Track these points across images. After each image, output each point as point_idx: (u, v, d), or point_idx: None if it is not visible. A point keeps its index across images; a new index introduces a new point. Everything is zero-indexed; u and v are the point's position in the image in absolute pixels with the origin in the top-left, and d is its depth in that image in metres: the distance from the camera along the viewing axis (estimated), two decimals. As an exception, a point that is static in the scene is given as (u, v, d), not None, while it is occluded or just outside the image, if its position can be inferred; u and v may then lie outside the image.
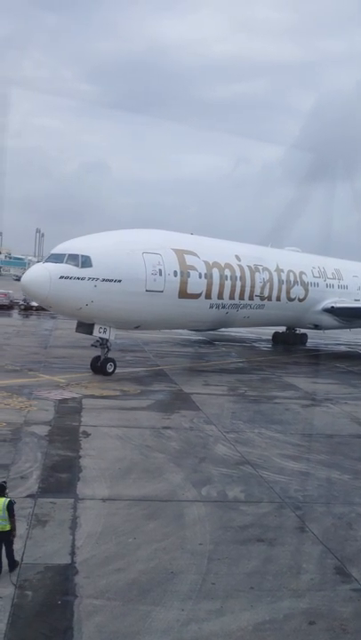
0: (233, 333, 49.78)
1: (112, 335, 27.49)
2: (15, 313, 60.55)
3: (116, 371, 28.94)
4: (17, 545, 10.62)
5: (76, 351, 33.24)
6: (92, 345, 28.61)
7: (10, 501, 10.03)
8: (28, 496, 12.98)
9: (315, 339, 49.49)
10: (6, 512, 9.89)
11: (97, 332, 27.12)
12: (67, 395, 23.22)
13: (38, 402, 21.70)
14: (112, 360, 28.04)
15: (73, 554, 10.60)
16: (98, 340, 27.83)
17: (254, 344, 46.85)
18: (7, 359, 30.48)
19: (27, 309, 60.22)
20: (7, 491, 10.68)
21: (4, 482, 10.80)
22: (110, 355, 28.17)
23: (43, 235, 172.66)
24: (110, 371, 27.69)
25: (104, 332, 27.13)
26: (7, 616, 8.60)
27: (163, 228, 34.59)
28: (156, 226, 34.01)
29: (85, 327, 27.58)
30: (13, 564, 9.96)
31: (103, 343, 27.71)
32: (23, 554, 10.44)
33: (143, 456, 16.41)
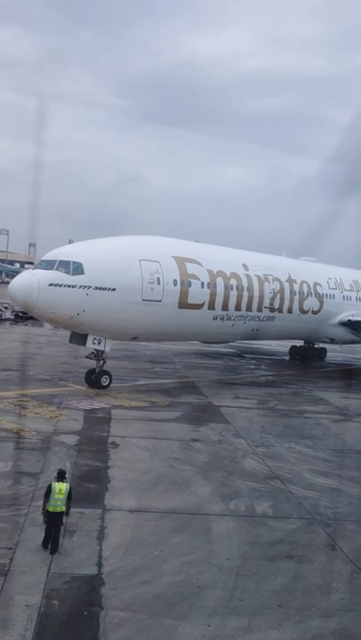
0: (264, 346, 49.47)
1: (107, 347, 26.21)
2: (47, 323, 61.25)
3: (146, 382, 28.97)
4: (45, 554, 10.75)
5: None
6: (87, 357, 27.28)
7: (70, 487, 11.49)
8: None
9: (346, 353, 48.76)
10: (67, 495, 11.23)
11: (91, 344, 25.84)
12: (96, 405, 23.34)
13: (68, 411, 21.86)
14: (107, 373, 26.65)
15: (100, 565, 10.60)
16: (92, 352, 26.54)
17: (285, 357, 46.39)
18: (38, 368, 30.83)
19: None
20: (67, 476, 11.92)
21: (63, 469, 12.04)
22: (106, 367, 26.95)
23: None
24: (105, 384, 26.28)
25: (98, 343, 25.86)
26: (34, 625, 8.63)
27: (197, 240, 34.46)
28: (189, 238, 33.94)
29: (79, 338, 26.27)
30: (56, 547, 10.91)
31: (98, 355, 26.47)
32: (51, 563, 10.50)
33: (171, 468, 16.35)
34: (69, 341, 27.43)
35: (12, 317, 58.00)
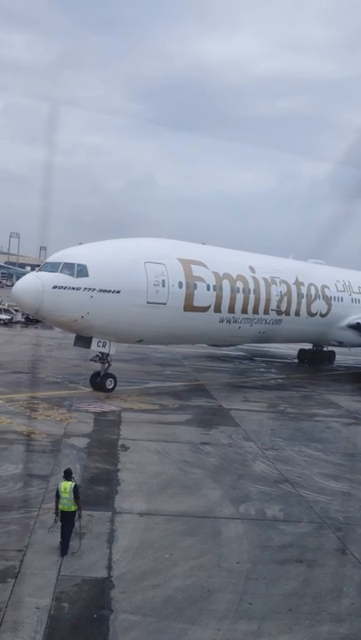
0: (274, 349, 49.33)
1: (112, 349, 25.96)
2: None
3: (156, 385, 28.89)
4: (55, 557, 10.77)
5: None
6: (92, 359, 27.14)
7: (75, 485, 11.44)
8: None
9: (356, 356, 48.47)
10: (72, 494, 11.25)
11: (95, 346, 25.67)
12: (106, 407, 23.38)
13: (78, 414, 21.91)
14: (112, 376, 26.45)
15: (110, 568, 10.60)
16: (97, 355, 26.38)
17: (295, 360, 46.22)
18: (49, 371, 30.92)
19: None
20: (73, 475, 12.01)
21: (70, 469, 12.12)
22: (116, 370, 26.73)
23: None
24: (110, 387, 26.14)
25: (103, 345, 25.67)
26: (44, 628, 8.64)
27: (204, 242, 34.39)
28: (200, 241, 33.82)
29: (83, 341, 26.11)
30: (66, 548, 11.01)
31: (103, 358, 26.28)
32: (61, 565, 10.52)
33: (181, 471, 16.34)
34: (74, 344, 27.24)
35: (23, 320, 58.25)
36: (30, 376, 29.94)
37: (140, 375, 32.15)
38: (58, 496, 11.45)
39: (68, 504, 11.28)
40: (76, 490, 11.38)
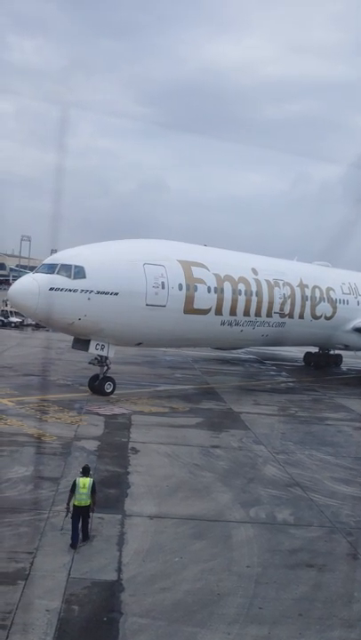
0: (284, 353, 49.17)
1: (111, 352, 25.45)
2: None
3: (167, 388, 28.88)
4: (65, 559, 10.78)
5: (127, 367, 33.47)
6: (90, 362, 26.63)
7: (93, 481, 12.05)
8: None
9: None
10: (90, 490, 11.77)
11: (93, 349, 25.17)
12: (116, 410, 23.40)
13: (88, 417, 21.95)
14: (111, 379, 25.97)
15: (119, 570, 10.60)
16: (96, 358, 25.90)
17: (304, 363, 46.02)
18: (59, 374, 31.02)
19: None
20: (91, 472, 12.57)
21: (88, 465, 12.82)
22: (110, 373, 26.22)
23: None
24: (109, 391, 25.70)
25: (101, 348, 25.16)
26: (54, 630, 8.65)
27: (217, 246, 34.23)
28: (210, 243, 33.71)
29: (82, 343, 25.59)
30: (87, 536, 11.60)
31: (101, 361, 25.79)
32: (71, 568, 10.53)
33: (191, 474, 16.32)
34: (72, 347, 26.79)
35: (34, 323, 58.44)
36: (41, 379, 30.05)
37: (151, 378, 32.18)
38: (72, 491, 11.74)
39: (85, 499, 11.67)
40: (94, 485, 11.90)
